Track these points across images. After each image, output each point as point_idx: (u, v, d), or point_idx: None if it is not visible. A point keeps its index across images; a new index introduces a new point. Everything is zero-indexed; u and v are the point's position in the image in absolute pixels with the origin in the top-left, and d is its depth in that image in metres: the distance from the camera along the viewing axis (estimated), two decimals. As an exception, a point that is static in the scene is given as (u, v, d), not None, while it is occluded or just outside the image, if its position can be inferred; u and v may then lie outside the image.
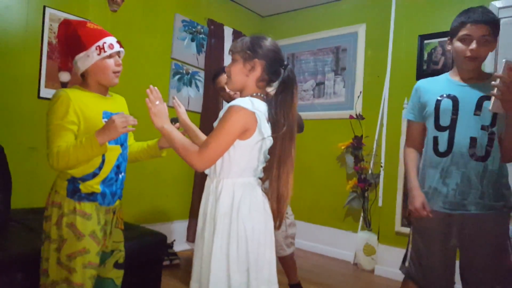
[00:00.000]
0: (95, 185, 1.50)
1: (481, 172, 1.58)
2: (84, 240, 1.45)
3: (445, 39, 3.03)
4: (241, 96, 1.40)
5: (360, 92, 3.71)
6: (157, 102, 1.38)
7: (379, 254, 3.32)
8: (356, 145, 3.52)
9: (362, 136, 3.56)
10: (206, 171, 1.40)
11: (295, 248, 2.19)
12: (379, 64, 3.57)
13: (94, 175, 1.50)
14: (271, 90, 1.43)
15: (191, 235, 3.53)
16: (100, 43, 1.50)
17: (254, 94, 1.38)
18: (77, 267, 1.43)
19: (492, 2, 2.84)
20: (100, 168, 1.51)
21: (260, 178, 1.43)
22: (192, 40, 3.62)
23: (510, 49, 2.52)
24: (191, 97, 3.62)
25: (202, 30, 3.71)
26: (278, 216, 1.43)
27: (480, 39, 1.56)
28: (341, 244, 3.71)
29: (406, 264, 1.80)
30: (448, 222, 1.64)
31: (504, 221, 1.62)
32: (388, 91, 3.41)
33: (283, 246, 2.19)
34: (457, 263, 1.70)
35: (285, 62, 1.41)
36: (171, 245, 3.17)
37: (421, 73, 3.19)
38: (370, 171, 3.51)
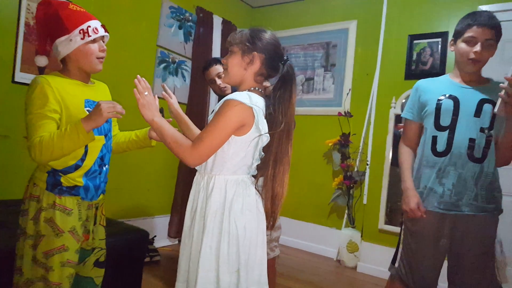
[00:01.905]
0: (77, 178, 1.40)
1: (477, 173, 1.59)
2: (63, 237, 1.36)
3: (434, 40, 3.10)
4: (238, 90, 1.33)
5: (349, 90, 3.69)
6: (146, 93, 1.29)
7: (362, 251, 3.33)
8: (343, 143, 3.51)
9: (349, 133, 3.55)
10: (197, 167, 1.33)
11: (279, 252, 2.11)
12: (369, 62, 3.56)
13: (76, 167, 1.40)
14: (269, 85, 1.36)
15: (172, 231, 3.45)
16: (84, 26, 1.39)
17: (252, 89, 1.32)
18: (54, 265, 1.34)
19: (480, 6, 2.85)
20: (82, 159, 1.41)
21: (254, 176, 1.37)
22: (180, 27, 3.50)
23: (497, 53, 2.55)
24: (177, 87, 3.51)
25: (190, 18, 3.59)
26: (271, 216, 1.37)
27: (484, 42, 1.57)
28: (325, 240, 3.71)
29: (396, 264, 1.79)
30: (441, 222, 1.64)
31: (493, 223, 1.64)
32: (377, 89, 3.40)
33: (267, 250, 2.08)
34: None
35: (285, 57, 1.34)
36: (151, 241, 3.08)
37: (410, 73, 3.20)
38: (356, 169, 3.51)
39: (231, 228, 1.25)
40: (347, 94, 3.69)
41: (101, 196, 1.52)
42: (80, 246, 1.44)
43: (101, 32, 1.44)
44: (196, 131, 1.52)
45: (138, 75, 1.31)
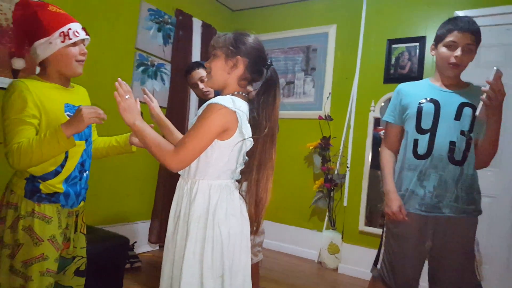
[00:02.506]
0: (57, 184, 1.37)
1: (457, 176, 1.62)
2: (43, 246, 1.32)
3: (412, 44, 3.17)
4: (221, 95, 1.32)
5: (329, 93, 3.73)
6: (127, 96, 1.26)
7: (343, 253, 3.37)
8: (324, 146, 3.54)
9: (330, 137, 3.58)
10: (180, 172, 1.31)
11: (262, 257, 2.11)
12: (348, 66, 3.60)
13: (56, 173, 1.36)
14: (252, 90, 1.36)
15: (153, 237, 3.39)
16: (64, 29, 1.36)
17: (236, 93, 1.31)
18: (33, 275, 1.30)
19: (456, 12, 2.94)
20: (62, 165, 1.38)
21: (238, 181, 1.36)
22: (159, 30, 3.46)
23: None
24: (156, 90, 3.46)
25: (169, 21, 3.55)
26: (255, 221, 1.37)
27: (464, 47, 1.61)
28: (306, 243, 3.72)
29: (378, 266, 1.81)
30: (422, 224, 1.67)
31: (473, 224, 1.68)
32: (356, 93, 3.44)
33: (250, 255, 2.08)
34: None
35: (269, 62, 1.34)
36: (132, 248, 3.02)
37: (388, 77, 3.26)
38: (336, 172, 3.55)
39: (215, 234, 1.24)
40: (327, 97, 3.73)
41: (81, 203, 1.48)
42: (60, 254, 1.40)
43: (82, 35, 1.40)
44: (179, 135, 1.50)
45: (119, 78, 1.28)
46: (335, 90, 3.72)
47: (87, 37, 1.44)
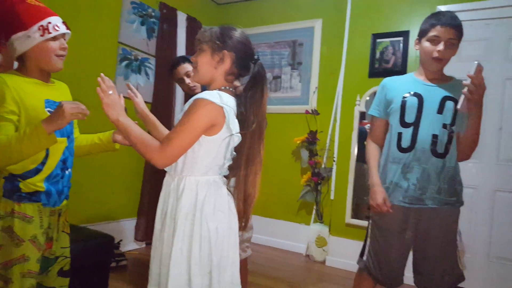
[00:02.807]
0: (38, 183, 1.33)
1: (440, 168, 1.64)
2: (23, 246, 1.29)
3: (396, 38, 3.19)
4: (208, 90, 1.30)
5: (316, 88, 3.74)
6: (110, 92, 1.24)
7: (330, 246, 3.40)
8: (311, 140, 3.56)
9: (316, 131, 3.60)
10: (166, 168, 1.29)
11: (251, 252, 2.10)
12: (334, 61, 3.61)
13: (36, 171, 1.32)
14: (239, 85, 1.34)
15: (139, 234, 3.36)
16: (43, 22, 1.31)
17: (223, 88, 1.30)
18: (14, 277, 1.27)
19: (438, 7, 2.97)
20: (43, 163, 1.34)
21: (226, 176, 1.35)
22: (142, 24, 3.40)
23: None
24: (140, 85, 3.41)
25: (153, 14, 3.49)
26: (244, 217, 1.37)
27: (447, 41, 1.63)
28: (294, 236, 3.75)
29: (364, 257, 1.83)
30: (406, 216, 1.70)
31: (455, 215, 1.71)
32: (342, 87, 3.46)
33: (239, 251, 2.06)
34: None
35: (255, 57, 1.33)
36: (117, 246, 2.98)
37: (373, 71, 3.29)
38: (323, 165, 3.57)
39: (203, 230, 1.22)
40: (314, 92, 3.74)
41: (64, 202, 1.45)
42: (42, 255, 1.37)
43: (63, 29, 1.36)
44: (164, 131, 1.47)
45: (102, 74, 1.25)
46: (321, 85, 3.73)
47: (68, 31, 1.40)
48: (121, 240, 3.11)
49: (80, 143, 1.56)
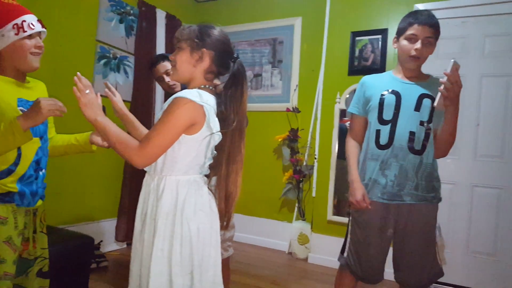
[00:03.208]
0: (10, 184, 1.30)
1: (417, 165, 1.67)
2: None
3: (375, 36, 3.23)
4: (188, 88, 1.29)
5: (296, 86, 3.76)
6: (87, 91, 1.21)
7: (312, 243, 3.43)
8: (292, 138, 3.57)
9: (298, 128, 3.61)
10: (146, 168, 1.28)
11: (233, 252, 2.10)
12: (314, 58, 3.64)
13: (9, 172, 1.29)
14: (219, 83, 1.34)
15: (120, 235, 3.31)
16: (18, 21, 1.28)
17: (202, 86, 1.29)
18: (-11, 280, 1.23)
19: (416, 5, 3.02)
20: (16, 164, 1.31)
21: (207, 176, 1.34)
22: (121, 21, 3.34)
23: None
24: (119, 84, 3.35)
25: (131, 12, 3.44)
26: (225, 216, 1.37)
27: (424, 39, 1.65)
28: (276, 234, 3.76)
29: (345, 254, 1.85)
30: (385, 212, 1.72)
31: (433, 211, 1.74)
32: (322, 85, 3.48)
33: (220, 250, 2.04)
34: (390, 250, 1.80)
35: (235, 55, 1.33)
36: (98, 246, 2.93)
37: (353, 69, 3.32)
38: (305, 163, 3.59)
39: (184, 230, 1.22)
40: (295, 90, 3.75)
41: (39, 202, 1.41)
42: (21, 256, 1.34)
43: (38, 27, 1.33)
44: (144, 130, 1.46)
45: (78, 73, 1.22)
46: (302, 82, 3.75)
47: (44, 29, 1.36)
48: (101, 241, 3.07)
49: (56, 143, 1.53)
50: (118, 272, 2.82)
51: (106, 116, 1.23)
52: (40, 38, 1.37)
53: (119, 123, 1.32)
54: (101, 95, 1.31)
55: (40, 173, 1.40)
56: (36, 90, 1.45)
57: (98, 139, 1.47)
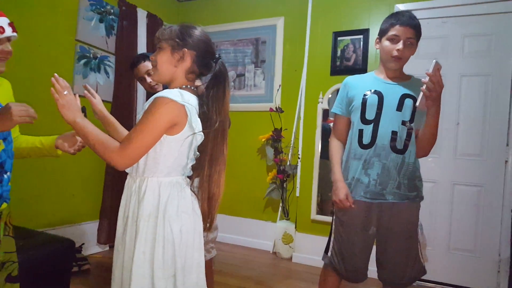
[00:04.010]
0: None
1: (399, 164, 1.69)
2: None
3: (357, 36, 3.26)
4: (169, 88, 1.28)
5: (279, 85, 3.76)
6: (65, 92, 1.18)
7: (297, 242, 3.44)
8: (276, 138, 3.57)
9: (281, 128, 3.62)
10: (127, 169, 1.25)
11: (216, 253, 2.08)
12: (297, 58, 3.65)
13: None
14: (201, 84, 1.33)
15: (102, 237, 3.25)
16: None
17: (184, 86, 1.28)
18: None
19: (397, 5, 3.06)
20: None
21: (189, 177, 1.33)
22: (101, 21, 3.29)
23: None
24: (99, 84, 3.30)
25: (112, 11, 3.38)
26: (208, 217, 1.35)
27: (406, 40, 1.67)
28: (261, 234, 3.76)
29: (329, 254, 1.85)
30: (368, 211, 1.73)
31: (415, 210, 1.77)
32: (305, 85, 3.50)
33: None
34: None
35: (217, 55, 1.32)
36: (79, 249, 2.88)
37: (335, 69, 3.34)
38: (288, 163, 3.60)
39: (166, 232, 1.20)
40: (278, 90, 3.76)
41: (4, 205, 1.36)
42: None
43: (8, 32, 1.28)
44: (124, 132, 1.43)
45: (56, 74, 1.19)
46: (285, 82, 3.75)
47: (14, 34, 1.31)
48: (83, 244, 3.01)
49: (20, 144, 1.48)
50: (100, 275, 2.77)
51: (86, 117, 1.21)
52: (10, 41, 1.32)
53: (99, 125, 1.29)
54: (80, 96, 1.28)
55: (5, 176, 1.35)
56: (1, 89, 1.40)
57: (64, 144, 1.43)
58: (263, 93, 3.86)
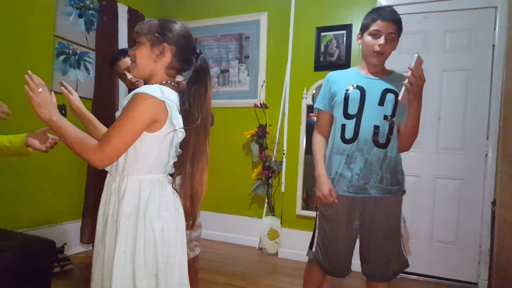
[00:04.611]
0: None
1: (382, 158, 1.70)
2: None
3: (340, 32, 3.27)
4: (149, 84, 1.25)
5: (264, 81, 3.75)
6: (40, 90, 1.15)
7: (282, 237, 3.44)
8: (261, 134, 3.56)
9: (266, 124, 3.61)
10: (107, 168, 1.23)
11: (199, 251, 2.06)
12: (281, 54, 3.64)
13: None
14: (181, 79, 1.30)
15: (85, 236, 3.20)
16: None
17: (164, 82, 1.25)
18: None
19: (379, 0, 3.08)
20: None
21: (171, 175, 1.31)
22: (80, 16, 3.21)
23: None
24: (79, 80, 3.23)
25: (91, 6, 3.31)
26: (191, 215, 1.33)
27: (387, 35, 1.68)
28: (247, 230, 3.76)
29: (313, 249, 1.86)
30: (351, 205, 1.74)
31: (398, 204, 1.78)
32: (289, 81, 3.49)
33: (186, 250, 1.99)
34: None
35: (198, 50, 1.30)
36: (61, 250, 2.82)
37: (319, 65, 3.34)
38: (273, 159, 3.60)
39: (147, 231, 1.18)
40: (262, 86, 3.74)
41: None
42: None
43: None
44: (104, 129, 1.40)
45: (29, 71, 1.15)
46: (269, 78, 3.74)
47: None
48: (65, 244, 2.95)
49: None
50: (83, 276, 2.72)
51: (67, 116, 1.17)
52: None
53: (77, 123, 1.26)
54: (55, 92, 1.24)
55: None
56: None
57: (35, 142, 1.39)
58: (248, 89, 3.84)
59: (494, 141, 2.73)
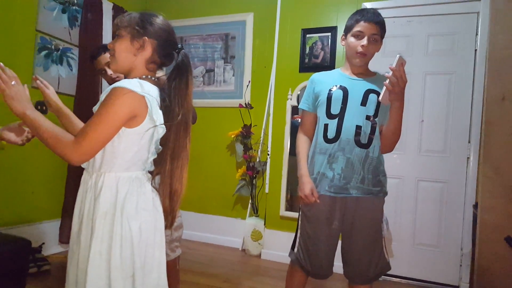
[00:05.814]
0: None
1: (363, 158, 1.70)
2: None
3: (324, 34, 3.28)
4: (128, 79, 1.21)
5: (249, 81, 3.73)
6: (13, 83, 1.11)
7: (265, 239, 3.43)
8: (245, 134, 3.54)
9: (251, 125, 3.59)
10: (83, 165, 1.19)
11: (181, 252, 2.03)
12: (266, 55, 3.64)
13: None
14: (162, 74, 1.27)
15: (64, 236, 3.12)
16: None
17: (144, 77, 1.22)
18: None
19: (364, 3, 3.10)
20: None
21: (150, 172, 1.27)
22: (63, 11, 3.15)
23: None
24: (62, 77, 3.16)
25: (75, 1, 3.24)
26: (170, 214, 1.30)
27: (370, 37, 1.69)
28: (230, 232, 3.73)
29: (295, 250, 1.85)
30: (332, 205, 1.73)
31: (379, 205, 1.78)
32: (274, 81, 3.49)
33: (167, 251, 1.98)
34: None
35: (179, 45, 1.27)
36: (39, 249, 2.75)
37: (304, 66, 3.35)
38: (258, 159, 3.58)
39: (124, 230, 1.15)
40: (247, 86, 3.73)
41: None
42: None
43: None
44: (81, 125, 1.36)
45: (1, 63, 1.11)
46: (254, 79, 3.73)
47: None
48: (43, 243, 2.88)
49: None
50: (61, 276, 2.64)
51: (47, 112, 1.13)
52: None
53: (54, 120, 1.22)
54: (33, 87, 1.21)
55: None
56: None
57: (10, 135, 1.35)
58: (233, 89, 3.82)
59: (476, 145, 2.77)
